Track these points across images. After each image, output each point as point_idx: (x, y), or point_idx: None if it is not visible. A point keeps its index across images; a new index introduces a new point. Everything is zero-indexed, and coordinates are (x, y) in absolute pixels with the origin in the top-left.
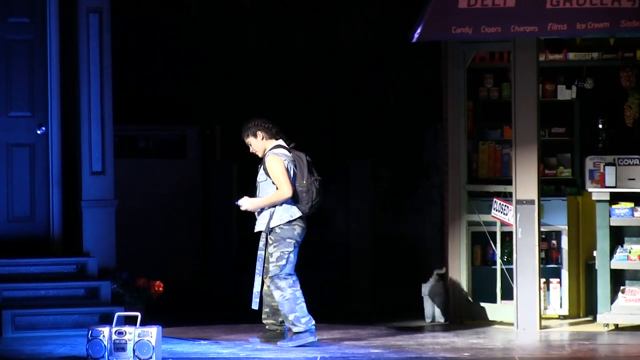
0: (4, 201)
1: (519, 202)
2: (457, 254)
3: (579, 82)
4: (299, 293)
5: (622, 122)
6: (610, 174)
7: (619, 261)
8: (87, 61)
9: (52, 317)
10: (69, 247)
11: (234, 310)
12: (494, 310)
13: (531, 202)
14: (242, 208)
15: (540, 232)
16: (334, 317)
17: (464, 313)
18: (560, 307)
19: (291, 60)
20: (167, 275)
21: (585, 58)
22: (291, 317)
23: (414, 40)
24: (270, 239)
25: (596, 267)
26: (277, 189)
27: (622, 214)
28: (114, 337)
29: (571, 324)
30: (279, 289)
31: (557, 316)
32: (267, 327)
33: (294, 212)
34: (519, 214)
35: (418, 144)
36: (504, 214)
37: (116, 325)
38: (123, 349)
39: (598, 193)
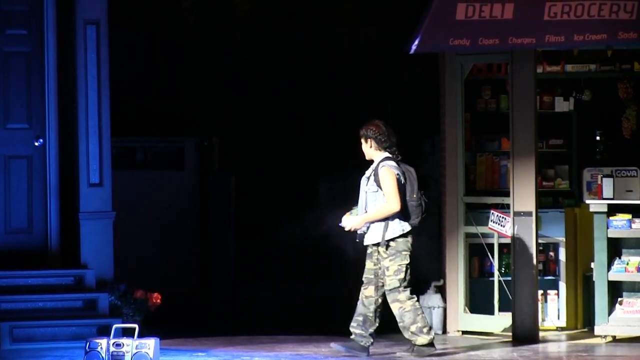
0: (1, 213)
1: (516, 213)
2: (455, 265)
3: (577, 94)
4: (418, 304)
5: (619, 133)
6: (607, 186)
7: (617, 273)
8: (84, 73)
9: (50, 329)
10: (67, 259)
11: (232, 322)
12: (491, 322)
13: (529, 213)
14: (347, 228)
15: (537, 244)
16: (332, 328)
17: (462, 325)
18: (558, 318)
19: (288, 72)
20: (165, 287)
21: (582, 70)
22: (413, 328)
23: (412, 51)
24: (385, 252)
25: (594, 278)
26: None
27: (620, 225)
28: (112, 349)
29: (569, 336)
30: (398, 302)
31: (555, 328)
32: (352, 336)
33: (405, 226)
34: (517, 225)
35: (416, 156)
36: (501, 225)
37: (114, 337)
38: None
39: (596, 205)
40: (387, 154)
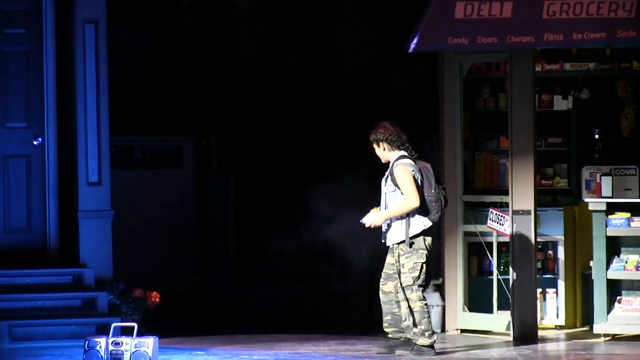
0: (0, 212)
1: (515, 212)
2: (454, 264)
3: (576, 93)
4: (426, 307)
5: (618, 132)
6: (606, 184)
7: (616, 271)
8: (83, 72)
9: (49, 327)
10: (66, 258)
11: (231, 321)
12: (490, 320)
13: (527, 212)
14: (368, 224)
15: (536, 243)
16: (331, 327)
17: (461, 323)
18: (557, 317)
19: (288, 72)
20: (164, 286)
21: (581, 68)
22: (417, 329)
23: (411, 50)
24: (402, 249)
25: (593, 277)
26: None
27: (619, 224)
28: (111, 347)
29: (568, 334)
30: (408, 300)
31: (554, 326)
32: (389, 335)
33: (426, 222)
34: (516, 224)
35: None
36: (500, 224)
37: (113, 336)
38: None
39: (594, 203)
40: (402, 152)
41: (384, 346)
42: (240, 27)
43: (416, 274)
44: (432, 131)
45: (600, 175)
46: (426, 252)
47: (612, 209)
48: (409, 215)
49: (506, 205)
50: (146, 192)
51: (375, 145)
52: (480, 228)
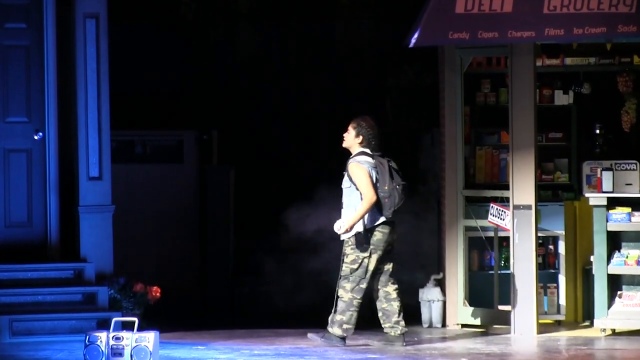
0: (1, 207)
1: (516, 207)
2: (454, 259)
3: (576, 87)
4: (356, 302)
5: (619, 127)
6: (607, 179)
7: (616, 266)
8: (84, 66)
9: (50, 322)
10: (66, 253)
11: (231, 315)
12: (491, 315)
13: (528, 207)
14: (340, 232)
15: (537, 237)
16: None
17: (461, 318)
18: (558, 312)
19: (287, 66)
20: (164, 281)
21: (582, 63)
22: (337, 317)
23: (411, 45)
24: (350, 241)
25: (593, 272)
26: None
27: (619, 219)
28: (112, 342)
29: (568, 329)
30: (342, 289)
31: (554, 321)
32: (384, 330)
33: (378, 219)
34: (516, 219)
35: (415, 150)
36: (501, 219)
37: (114, 331)
38: (120, 354)
39: (595, 198)
40: (363, 149)
41: (382, 340)
42: (240, 21)
43: (355, 266)
44: (432, 126)
45: (601, 170)
46: (371, 247)
47: (612, 203)
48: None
49: (507, 200)
50: (147, 186)
51: (352, 130)
52: (481, 223)
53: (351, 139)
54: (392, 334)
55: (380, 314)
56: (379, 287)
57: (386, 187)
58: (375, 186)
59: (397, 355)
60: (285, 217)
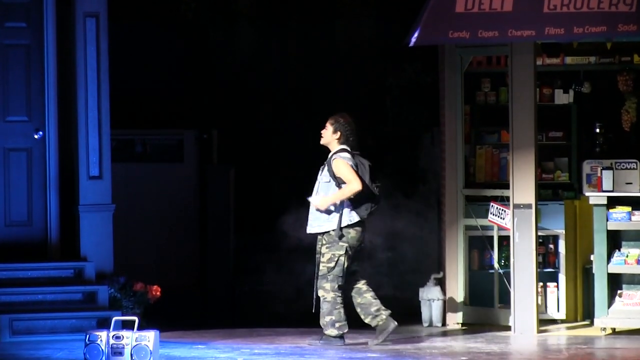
0: (1, 206)
1: (516, 206)
2: (455, 258)
3: (576, 86)
4: (340, 299)
5: (619, 126)
6: (607, 178)
7: (617, 265)
8: (84, 65)
9: (50, 321)
10: (67, 252)
11: (231, 314)
12: (491, 314)
13: (528, 206)
14: (313, 204)
15: (537, 236)
16: None
17: (461, 317)
18: (558, 311)
19: (287, 65)
20: (165, 280)
21: (582, 62)
22: (327, 319)
23: (411, 44)
24: (325, 239)
25: (593, 271)
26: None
27: (620, 218)
28: (112, 341)
29: (568, 328)
30: (322, 289)
31: (555, 320)
32: (371, 325)
33: (354, 216)
34: (517, 218)
35: (415, 149)
36: (501, 218)
37: (114, 330)
38: (120, 354)
39: (595, 197)
40: (343, 147)
41: (376, 337)
42: (240, 21)
43: (332, 264)
44: (432, 125)
45: (601, 169)
46: (347, 245)
47: (613, 202)
48: (343, 206)
49: (507, 199)
50: (147, 185)
51: (329, 127)
52: (481, 222)
53: (329, 136)
54: (379, 322)
55: (359, 310)
56: (351, 286)
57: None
58: (361, 178)
59: (398, 354)
60: (284, 216)
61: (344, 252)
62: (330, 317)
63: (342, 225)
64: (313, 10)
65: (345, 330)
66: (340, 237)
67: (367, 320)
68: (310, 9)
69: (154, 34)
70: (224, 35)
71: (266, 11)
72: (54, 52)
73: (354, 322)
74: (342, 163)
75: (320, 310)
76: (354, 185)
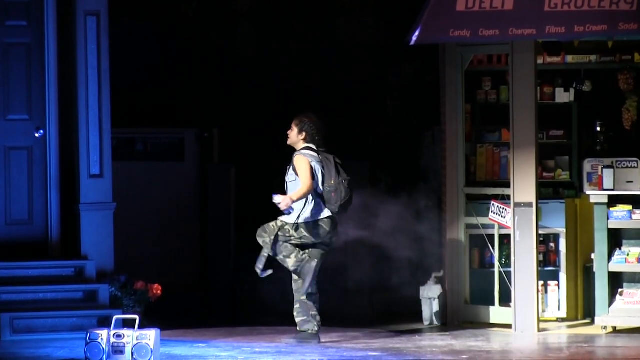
0: (2, 204)
1: (517, 204)
2: (455, 256)
3: (577, 85)
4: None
5: (620, 124)
6: (608, 177)
7: (617, 264)
8: (85, 64)
9: (51, 320)
10: (67, 250)
11: (232, 313)
12: (492, 312)
13: (529, 204)
14: (276, 202)
15: (538, 235)
16: (332, 320)
17: (462, 316)
18: (558, 309)
19: (288, 64)
20: (165, 278)
21: (583, 61)
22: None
23: (412, 43)
24: (294, 235)
25: (594, 269)
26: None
27: (620, 216)
28: (113, 340)
29: (569, 327)
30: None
31: (555, 319)
32: (297, 326)
33: (323, 212)
34: (517, 216)
35: (416, 147)
36: (502, 216)
37: (114, 328)
38: (121, 352)
39: (596, 196)
40: (308, 145)
41: (295, 338)
42: (240, 19)
43: (297, 256)
44: (433, 124)
45: (602, 168)
46: (315, 240)
47: (613, 201)
48: (308, 201)
49: (508, 197)
50: (148, 184)
51: (295, 128)
52: (481, 220)
53: (295, 136)
54: (308, 330)
55: (297, 306)
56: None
57: (332, 182)
58: (317, 181)
59: (398, 352)
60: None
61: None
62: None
63: (310, 220)
64: (313, 10)
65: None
66: (308, 231)
67: (297, 318)
68: (310, 8)
69: (154, 32)
70: (225, 34)
71: (267, 10)
72: (55, 51)
73: (354, 321)
74: (301, 160)
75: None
76: (307, 185)
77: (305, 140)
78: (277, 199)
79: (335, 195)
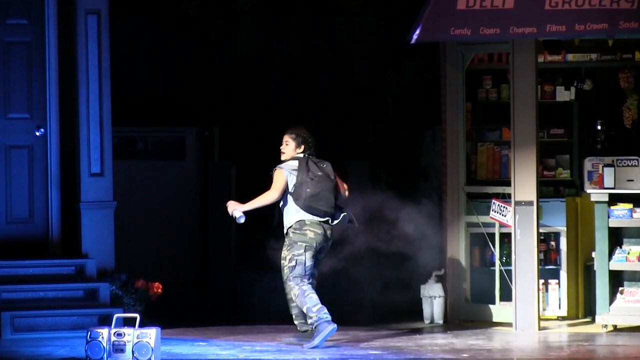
0: (2, 203)
1: (517, 203)
2: (456, 255)
3: (578, 84)
4: (306, 287)
5: (620, 123)
6: (608, 175)
7: (618, 262)
8: (85, 63)
9: (51, 318)
10: (68, 249)
11: (233, 311)
12: (492, 311)
13: (530, 203)
14: (229, 209)
15: (539, 234)
16: (333, 319)
17: (463, 314)
18: (559, 308)
19: (289, 63)
20: (166, 277)
21: (584, 59)
22: (304, 309)
23: (413, 41)
24: (285, 242)
25: (595, 268)
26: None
27: (621, 215)
28: (113, 338)
29: (570, 325)
30: (290, 289)
31: (556, 317)
32: (297, 327)
33: (301, 215)
34: (518, 215)
35: (416, 146)
36: (502, 215)
37: (115, 327)
38: (122, 351)
39: (597, 194)
40: (296, 156)
41: (293, 337)
42: (241, 18)
43: (292, 264)
44: (434, 122)
45: (603, 166)
46: (305, 244)
47: (614, 200)
48: (289, 209)
49: (508, 196)
50: (148, 183)
51: (292, 142)
52: (482, 219)
53: (292, 150)
54: (308, 329)
55: (295, 311)
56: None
57: (297, 179)
58: (285, 190)
59: (399, 350)
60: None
61: (302, 250)
62: (305, 306)
63: (293, 225)
64: (314, 8)
65: (326, 312)
66: (297, 237)
67: (296, 321)
68: (311, 7)
69: (155, 31)
70: (226, 32)
71: (267, 9)
72: (55, 49)
73: (354, 320)
74: (277, 174)
75: (292, 312)
76: (270, 195)
77: (302, 152)
78: (230, 205)
79: (299, 191)
